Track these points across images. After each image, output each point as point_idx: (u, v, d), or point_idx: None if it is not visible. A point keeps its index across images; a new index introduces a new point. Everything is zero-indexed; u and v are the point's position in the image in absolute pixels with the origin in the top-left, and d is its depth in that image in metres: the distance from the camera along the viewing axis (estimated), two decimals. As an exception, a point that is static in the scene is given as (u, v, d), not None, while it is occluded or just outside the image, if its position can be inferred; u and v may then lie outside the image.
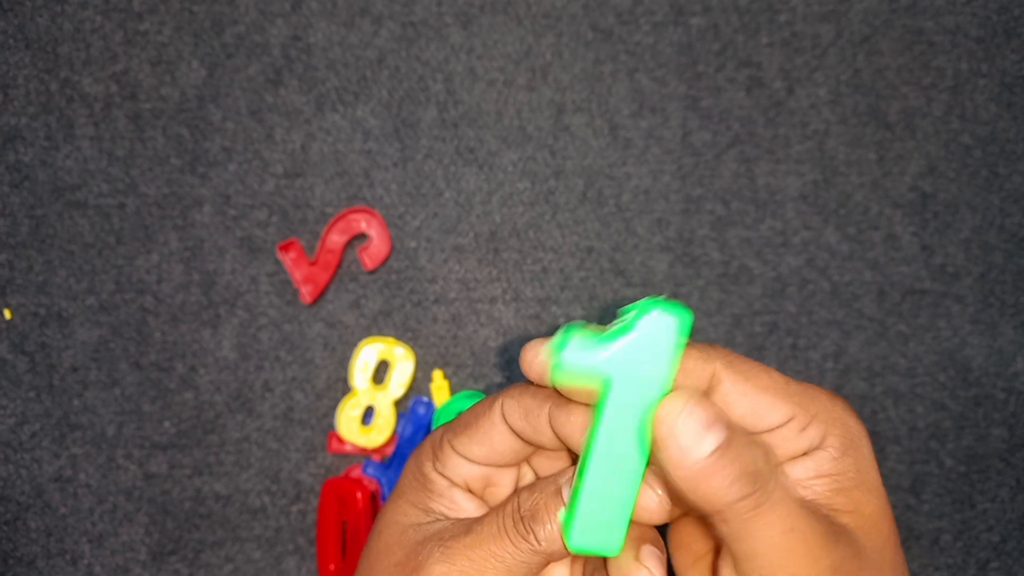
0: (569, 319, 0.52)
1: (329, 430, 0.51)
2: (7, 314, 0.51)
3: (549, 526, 0.24)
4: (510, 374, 0.52)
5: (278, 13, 0.53)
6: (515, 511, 0.25)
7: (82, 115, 0.52)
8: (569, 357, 0.23)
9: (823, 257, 0.53)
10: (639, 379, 0.23)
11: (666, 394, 0.22)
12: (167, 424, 0.51)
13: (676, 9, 0.54)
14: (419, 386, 0.52)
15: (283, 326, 0.51)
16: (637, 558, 0.24)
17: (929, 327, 0.53)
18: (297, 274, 0.51)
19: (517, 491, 0.26)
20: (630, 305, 0.24)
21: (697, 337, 0.52)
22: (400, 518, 0.27)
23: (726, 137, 0.53)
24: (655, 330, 0.23)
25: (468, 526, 0.25)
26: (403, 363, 0.51)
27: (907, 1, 0.55)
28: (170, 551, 0.50)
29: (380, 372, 0.51)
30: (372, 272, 0.52)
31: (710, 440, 0.21)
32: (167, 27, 0.53)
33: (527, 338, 0.52)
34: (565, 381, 0.23)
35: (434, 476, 0.27)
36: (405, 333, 0.52)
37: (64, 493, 0.50)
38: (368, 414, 0.51)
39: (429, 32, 0.53)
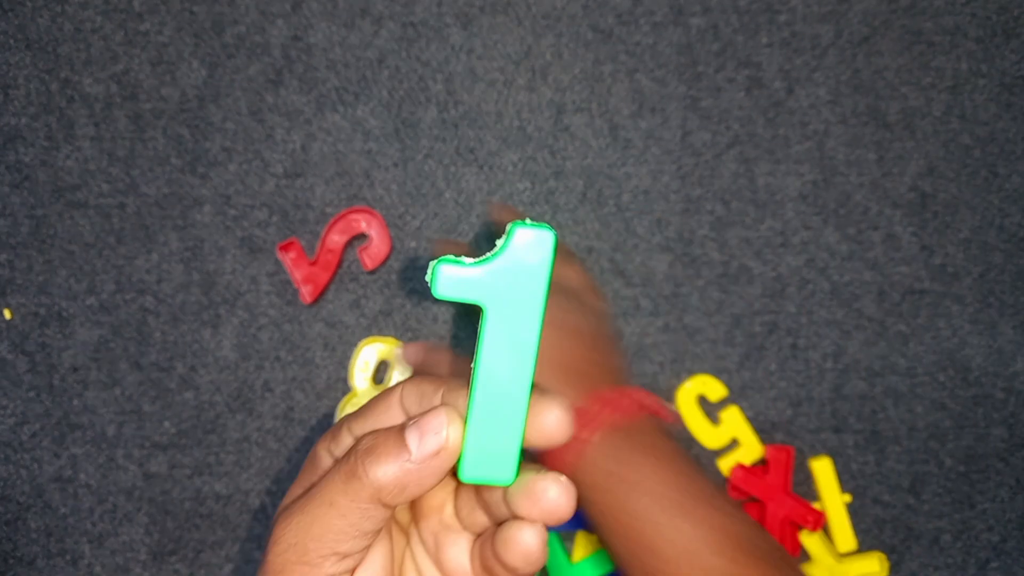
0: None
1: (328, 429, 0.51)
2: (7, 314, 0.51)
3: (387, 466, 0.23)
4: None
5: (278, 13, 0.53)
6: (353, 453, 0.24)
7: (82, 115, 0.52)
8: (444, 279, 0.22)
9: (823, 257, 0.53)
10: (516, 300, 0.23)
11: (543, 315, 0.23)
12: (167, 424, 0.51)
13: (676, 10, 0.54)
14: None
15: (283, 326, 0.51)
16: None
17: (929, 327, 0.53)
18: (297, 274, 0.51)
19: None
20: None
21: (698, 337, 0.52)
22: (287, 500, 0.26)
23: (726, 137, 0.53)
24: (527, 248, 0.22)
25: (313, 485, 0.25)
26: (403, 363, 0.51)
27: (906, 2, 0.55)
28: (170, 551, 0.50)
29: (380, 372, 0.51)
30: (372, 272, 0.52)
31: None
32: (167, 27, 0.53)
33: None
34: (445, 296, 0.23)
35: (324, 456, 0.26)
36: (405, 333, 0.52)
37: (64, 493, 0.50)
38: None
39: (429, 32, 0.53)
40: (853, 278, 0.53)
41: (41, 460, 0.50)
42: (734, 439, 0.51)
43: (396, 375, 0.51)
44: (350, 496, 0.23)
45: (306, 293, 0.51)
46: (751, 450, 0.51)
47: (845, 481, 0.51)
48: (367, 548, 0.24)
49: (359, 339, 0.52)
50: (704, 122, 0.53)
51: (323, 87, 0.53)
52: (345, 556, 0.24)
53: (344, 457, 0.24)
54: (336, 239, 0.51)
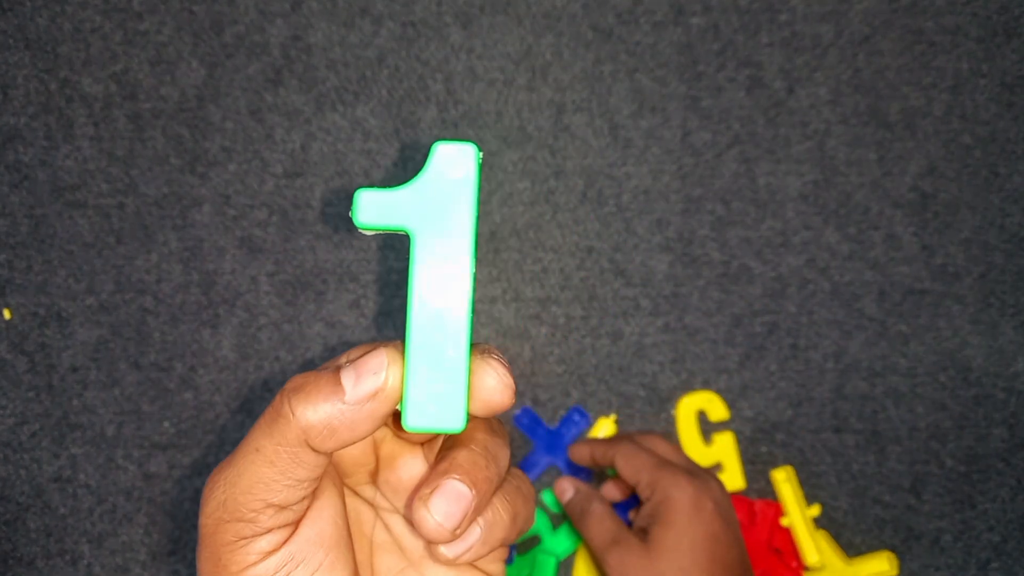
0: (569, 319, 0.52)
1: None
2: (7, 314, 0.51)
3: (317, 406, 0.21)
4: (510, 374, 0.52)
5: (278, 13, 0.53)
6: (280, 393, 0.22)
7: (82, 115, 0.52)
8: (365, 205, 0.21)
9: (823, 257, 0.53)
10: (444, 222, 0.21)
11: (475, 237, 0.21)
12: (167, 424, 0.51)
13: (676, 9, 0.54)
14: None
15: (283, 326, 0.51)
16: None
17: (929, 327, 0.53)
18: None
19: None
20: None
21: (698, 337, 0.52)
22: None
23: (726, 137, 0.53)
24: (450, 164, 0.21)
25: None
26: None
27: (907, 1, 0.55)
28: (169, 551, 0.50)
29: None
30: (372, 273, 0.52)
31: (567, 495, 0.48)
32: (167, 27, 0.53)
33: (527, 338, 0.52)
34: (367, 228, 0.21)
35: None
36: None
37: (64, 493, 0.50)
38: None
39: (429, 32, 0.53)
40: (854, 278, 0.53)
41: (40, 460, 0.50)
42: (719, 463, 0.51)
43: None
44: (276, 439, 0.21)
45: None
46: (733, 479, 0.50)
47: (845, 482, 0.51)
48: (307, 499, 0.22)
49: (359, 339, 0.52)
50: (704, 122, 0.53)
51: (323, 87, 0.53)
52: (282, 508, 0.21)
53: (272, 401, 0.22)
54: None
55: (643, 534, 0.43)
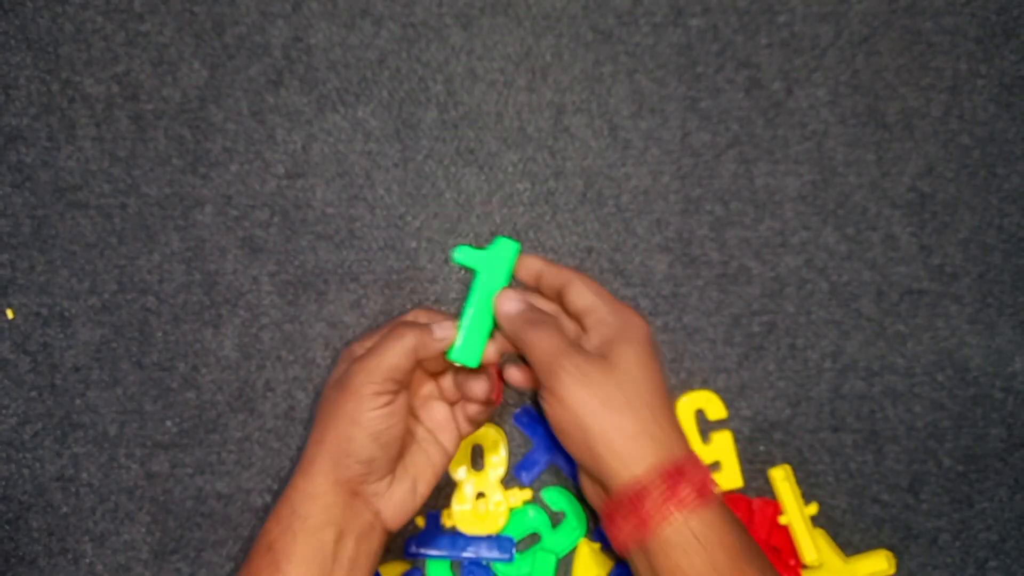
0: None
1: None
2: (9, 314, 0.51)
3: (421, 339, 0.41)
4: (510, 374, 0.52)
5: (279, 14, 0.53)
6: (409, 325, 0.42)
7: (84, 116, 0.53)
8: (458, 256, 0.43)
9: (822, 257, 0.53)
10: (493, 271, 0.43)
11: (507, 284, 0.43)
12: (169, 423, 0.51)
13: (675, 10, 0.54)
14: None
15: (284, 326, 0.52)
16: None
17: (927, 327, 0.53)
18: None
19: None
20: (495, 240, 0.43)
21: (697, 336, 0.52)
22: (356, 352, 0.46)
23: (725, 138, 0.54)
24: (502, 249, 0.43)
25: None
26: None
27: (906, 2, 0.55)
28: (172, 550, 0.50)
29: (477, 457, 0.51)
30: (372, 273, 0.52)
31: (514, 304, 0.42)
32: (168, 28, 0.53)
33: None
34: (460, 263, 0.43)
35: (358, 349, 0.46)
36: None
37: (66, 492, 0.50)
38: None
39: (429, 33, 0.53)
40: (852, 278, 0.53)
41: (43, 459, 0.51)
42: (718, 462, 0.51)
43: (495, 458, 0.50)
44: (405, 344, 0.40)
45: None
46: (731, 478, 0.51)
47: (843, 481, 0.52)
48: (401, 383, 0.41)
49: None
50: (703, 123, 0.54)
51: (324, 88, 0.53)
52: (395, 382, 0.40)
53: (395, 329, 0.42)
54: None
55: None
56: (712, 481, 0.38)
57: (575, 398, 0.38)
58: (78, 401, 0.51)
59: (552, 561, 0.49)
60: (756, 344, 0.52)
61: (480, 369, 0.43)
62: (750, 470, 0.51)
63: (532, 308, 0.42)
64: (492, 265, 0.43)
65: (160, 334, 0.51)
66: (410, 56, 0.53)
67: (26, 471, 0.51)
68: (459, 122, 0.53)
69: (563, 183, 0.53)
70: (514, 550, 0.49)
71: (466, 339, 0.42)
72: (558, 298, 0.44)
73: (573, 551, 0.50)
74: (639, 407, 0.38)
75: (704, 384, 0.52)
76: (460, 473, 0.50)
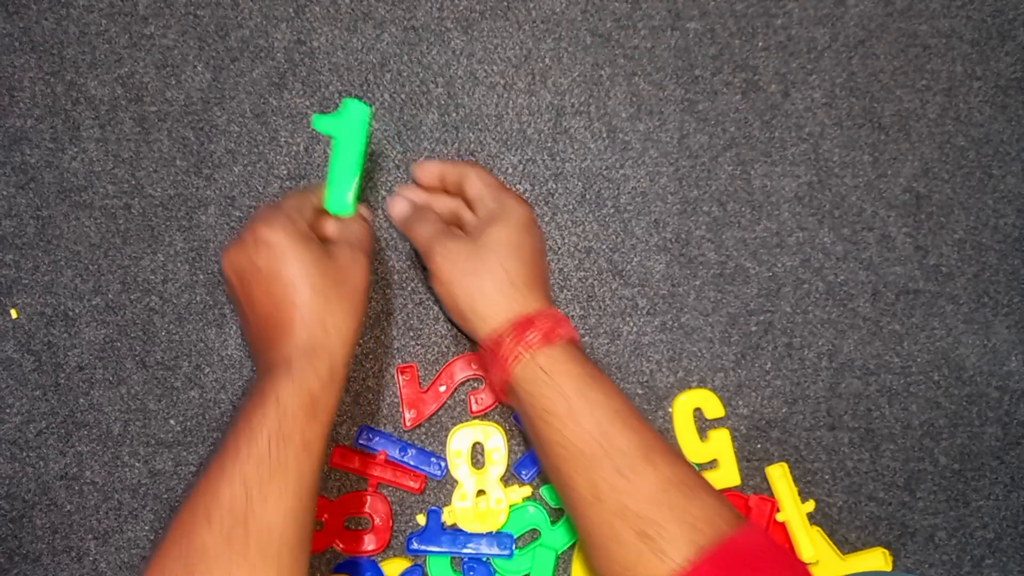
0: (568, 318, 0.53)
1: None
2: (14, 314, 0.52)
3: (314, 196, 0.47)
4: (510, 373, 0.52)
5: (282, 17, 0.54)
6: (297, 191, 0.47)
7: (88, 117, 0.53)
8: (316, 124, 0.47)
9: (818, 257, 0.54)
10: (350, 134, 0.46)
11: (365, 142, 0.47)
12: (173, 422, 0.51)
13: (673, 14, 0.54)
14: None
15: (286, 326, 0.52)
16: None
17: (923, 326, 0.54)
18: (405, 397, 0.51)
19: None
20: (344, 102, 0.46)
21: (694, 336, 0.53)
22: None
23: (722, 140, 0.54)
24: (354, 111, 0.46)
25: None
26: (494, 438, 0.51)
27: (902, 5, 0.55)
28: (175, 547, 0.51)
29: (477, 455, 0.51)
30: (374, 273, 0.53)
31: (398, 205, 0.50)
32: (172, 31, 0.54)
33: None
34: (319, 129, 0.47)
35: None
36: (407, 332, 0.52)
37: (70, 491, 0.51)
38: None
39: (430, 37, 0.54)
40: (848, 278, 0.54)
41: (47, 458, 0.51)
42: (715, 459, 0.51)
43: (495, 456, 0.51)
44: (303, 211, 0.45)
45: (408, 418, 0.51)
46: (729, 475, 0.51)
47: (840, 479, 0.52)
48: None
49: (360, 337, 0.52)
50: (701, 125, 0.54)
51: (326, 90, 0.54)
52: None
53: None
54: (452, 377, 0.51)
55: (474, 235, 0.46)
56: (563, 327, 0.43)
57: (444, 271, 0.45)
58: (82, 400, 0.51)
59: (552, 557, 0.49)
60: (753, 343, 0.53)
61: (356, 216, 0.47)
62: (747, 468, 0.52)
63: (413, 206, 0.49)
64: (347, 128, 0.46)
65: (164, 334, 0.52)
66: (411, 59, 0.54)
67: (30, 469, 0.51)
68: (460, 124, 0.54)
69: (562, 184, 0.54)
70: (514, 546, 0.50)
71: (334, 194, 0.47)
72: (459, 192, 0.49)
73: (572, 547, 0.51)
74: (496, 272, 0.44)
75: (701, 382, 0.53)
76: (461, 471, 0.50)
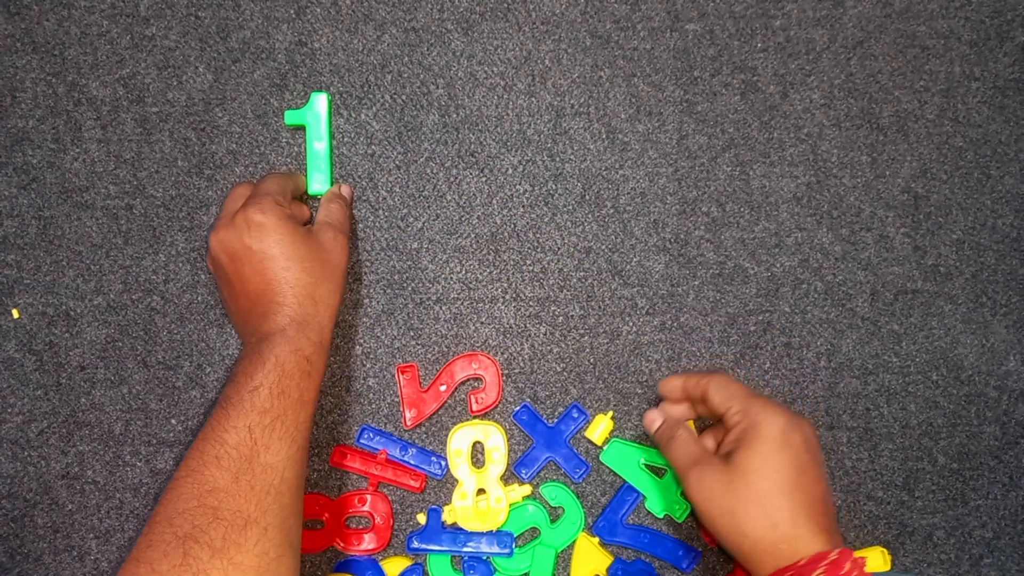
0: (568, 318, 0.53)
1: (331, 426, 0.52)
2: (15, 313, 0.52)
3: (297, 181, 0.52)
4: (508, 372, 0.53)
5: (283, 19, 0.54)
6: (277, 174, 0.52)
7: (89, 118, 0.53)
8: (288, 119, 0.53)
9: (816, 258, 0.54)
10: (315, 122, 0.52)
11: (328, 130, 0.53)
12: (174, 422, 0.52)
13: (672, 15, 0.55)
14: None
15: (287, 325, 0.52)
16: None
17: (921, 326, 0.54)
18: (405, 397, 0.51)
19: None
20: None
21: (693, 336, 0.53)
22: None
23: (721, 140, 0.54)
24: (317, 103, 0.52)
25: None
26: (494, 438, 0.51)
27: (900, 6, 0.56)
28: (176, 546, 0.51)
29: (477, 454, 0.51)
30: (375, 273, 0.53)
31: (653, 423, 0.49)
32: (173, 32, 0.54)
33: (527, 336, 0.53)
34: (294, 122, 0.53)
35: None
36: (407, 332, 0.52)
37: (71, 490, 0.51)
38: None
39: (431, 38, 0.54)
40: (846, 278, 0.54)
41: (48, 457, 0.51)
42: None
43: (495, 455, 0.51)
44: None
45: (409, 418, 0.51)
46: None
47: (839, 478, 0.52)
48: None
49: (362, 337, 0.52)
50: (700, 126, 0.54)
51: (327, 91, 0.54)
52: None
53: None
54: (452, 377, 0.52)
55: (727, 458, 0.43)
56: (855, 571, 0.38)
57: (700, 506, 0.43)
58: (84, 400, 0.52)
59: (551, 555, 0.50)
60: (752, 343, 0.53)
61: (336, 201, 0.51)
62: (747, 467, 0.52)
63: (666, 424, 0.49)
64: (314, 117, 0.52)
65: (165, 333, 0.52)
66: (412, 60, 0.54)
67: (32, 469, 0.51)
68: (460, 125, 0.54)
69: (562, 185, 0.54)
70: (514, 545, 0.50)
71: (313, 177, 0.52)
72: (704, 404, 0.47)
73: (572, 545, 0.51)
74: (756, 518, 0.41)
75: (701, 382, 0.53)
76: (461, 470, 0.50)
